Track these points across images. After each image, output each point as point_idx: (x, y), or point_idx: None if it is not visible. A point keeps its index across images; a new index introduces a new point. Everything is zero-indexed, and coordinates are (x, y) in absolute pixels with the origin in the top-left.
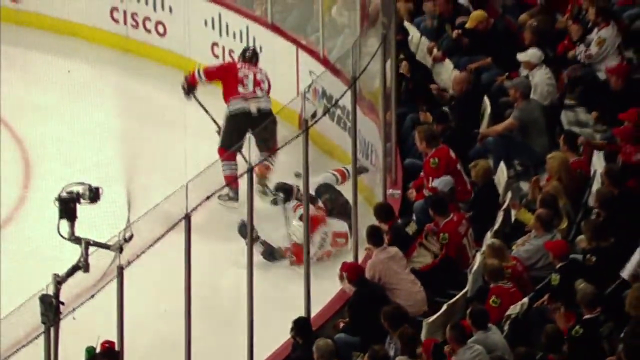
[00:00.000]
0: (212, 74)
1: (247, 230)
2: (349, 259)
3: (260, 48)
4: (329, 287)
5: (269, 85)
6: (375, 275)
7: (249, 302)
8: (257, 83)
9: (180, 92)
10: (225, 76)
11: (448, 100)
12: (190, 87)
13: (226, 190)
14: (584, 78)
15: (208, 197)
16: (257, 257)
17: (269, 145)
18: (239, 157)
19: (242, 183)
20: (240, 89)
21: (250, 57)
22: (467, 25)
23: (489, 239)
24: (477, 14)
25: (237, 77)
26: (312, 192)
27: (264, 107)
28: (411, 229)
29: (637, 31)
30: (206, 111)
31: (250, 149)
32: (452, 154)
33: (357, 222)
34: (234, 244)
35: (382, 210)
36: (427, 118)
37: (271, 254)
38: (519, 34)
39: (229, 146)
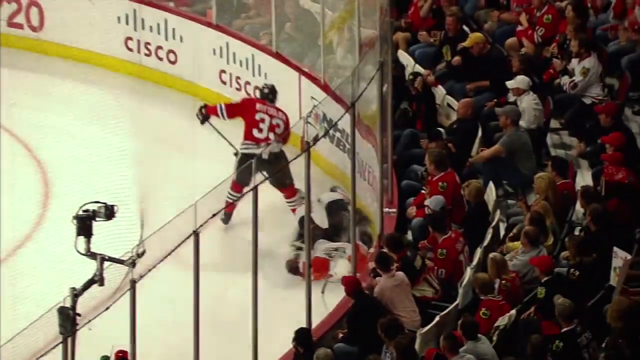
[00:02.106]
0: (233, 112)
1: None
2: None
3: (265, 75)
4: (329, 300)
5: (287, 126)
6: (382, 300)
7: (254, 314)
8: (271, 128)
9: (190, 116)
10: (244, 114)
11: (451, 123)
12: (205, 117)
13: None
14: (570, 103)
15: (214, 215)
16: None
17: (282, 182)
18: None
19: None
20: (256, 133)
21: (267, 94)
22: (465, 44)
23: (479, 254)
24: (476, 36)
25: (254, 118)
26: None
27: (272, 150)
28: (417, 263)
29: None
30: (222, 136)
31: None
32: (457, 179)
33: (355, 238)
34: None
35: (393, 241)
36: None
37: (296, 268)
38: (508, 61)
39: (242, 182)
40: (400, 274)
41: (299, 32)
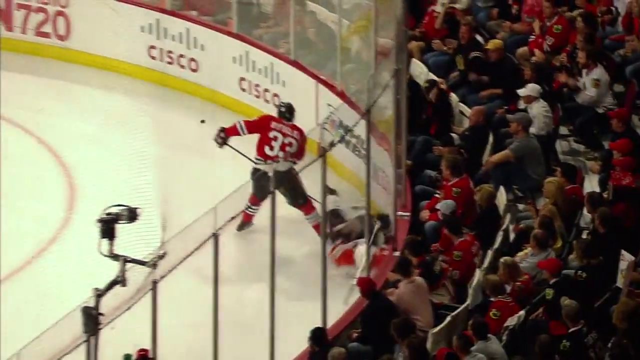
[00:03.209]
0: (251, 128)
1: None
2: None
3: (284, 83)
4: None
5: (300, 145)
6: (401, 305)
7: (271, 314)
8: (282, 147)
9: (211, 122)
10: (260, 130)
11: (463, 130)
12: (224, 140)
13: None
14: (580, 111)
15: (232, 218)
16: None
17: (295, 201)
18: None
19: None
20: (267, 150)
21: (284, 112)
22: (488, 47)
23: (490, 256)
24: (497, 42)
25: (268, 136)
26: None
27: (280, 169)
28: (437, 268)
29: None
30: (242, 154)
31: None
32: (471, 185)
33: (369, 240)
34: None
35: (413, 244)
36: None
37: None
38: (519, 69)
39: (259, 196)
40: (420, 279)
41: (316, 41)
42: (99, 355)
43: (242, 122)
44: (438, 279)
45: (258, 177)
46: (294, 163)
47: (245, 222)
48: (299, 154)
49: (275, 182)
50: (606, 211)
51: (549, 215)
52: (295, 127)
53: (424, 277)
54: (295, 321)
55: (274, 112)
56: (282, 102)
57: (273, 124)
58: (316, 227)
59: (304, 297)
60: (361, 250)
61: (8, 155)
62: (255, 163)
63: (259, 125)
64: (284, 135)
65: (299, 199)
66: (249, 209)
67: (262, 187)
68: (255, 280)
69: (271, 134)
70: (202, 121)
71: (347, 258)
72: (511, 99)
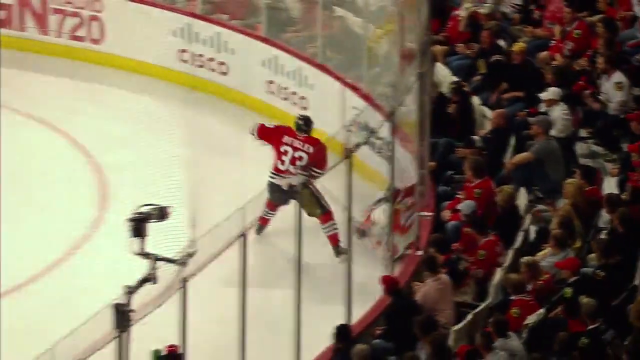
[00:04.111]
0: (263, 135)
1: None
2: None
3: (311, 86)
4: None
5: (312, 158)
6: (426, 302)
7: (296, 311)
8: (292, 161)
9: (240, 124)
10: (273, 142)
11: (485, 132)
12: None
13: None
14: (599, 114)
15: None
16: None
17: (312, 213)
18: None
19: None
20: (279, 165)
21: (301, 125)
22: (513, 49)
23: (510, 256)
24: (521, 45)
25: (279, 149)
26: None
27: (291, 183)
28: (462, 266)
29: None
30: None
31: None
32: (493, 186)
33: (392, 239)
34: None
35: (439, 242)
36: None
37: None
38: (540, 73)
39: (273, 202)
40: (445, 276)
41: (343, 45)
42: (130, 351)
43: (258, 125)
44: (462, 277)
45: (269, 187)
46: (317, 174)
47: (262, 225)
48: (319, 164)
49: (289, 195)
50: (625, 212)
51: (567, 216)
52: (308, 140)
53: (450, 275)
54: (319, 318)
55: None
56: (300, 115)
57: (285, 138)
58: (331, 238)
59: (328, 296)
60: (381, 210)
61: (42, 156)
62: (271, 178)
63: (272, 135)
64: (295, 149)
65: (316, 209)
66: (266, 214)
67: (275, 196)
68: (276, 281)
69: (282, 148)
70: None
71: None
72: (532, 102)
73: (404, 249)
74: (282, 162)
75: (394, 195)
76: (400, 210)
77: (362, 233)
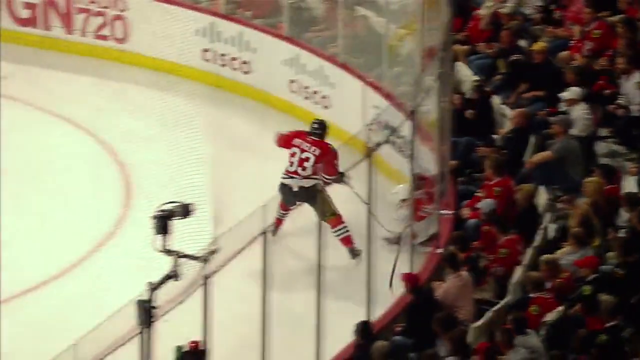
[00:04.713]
0: (281, 143)
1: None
2: None
3: (333, 85)
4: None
5: (318, 161)
6: (447, 299)
7: (318, 307)
8: (300, 162)
9: (262, 122)
10: (285, 147)
11: (506, 132)
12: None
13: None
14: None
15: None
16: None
17: (322, 216)
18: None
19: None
20: (289, 166)
21: (315, 129)
22: (532, 48)
23: (530, 254)
24: (542, 44)
25: (289, 151)
26: None
27: (301, 185)
28: (483, 263)
29: None
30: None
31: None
32: (512, 185)
33: (413, 238)
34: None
35: (460, 240)
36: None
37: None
38: (561, 73)
39: (284, 203)
40: (466, 273)
41: (365, 44)
42: (153, 347)
43: (277, 136)
44: (482, 275)
45: (280, 187)
46: (326, 180)
47: (277, 226)
48: (327, 170)
49: (298, 197)
50: None
51: (586, 214)
52: (317, 143)
53: (470, 272)
54: (340, 315)
55: (323, 113)
56: (316, 119)
57: (295, 140)
58: (343, 241)
59: (349, 294)
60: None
61: (67, 154)
62: (282, 178)
63: (286, 140)
64: (302, 150)
65: (326, 213)
66: (280, 215)
67: (285, 197)
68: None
69: (291, 150)
70: None
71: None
72: (553, 101)
73: (424, 237)
74: (291, 163)
75: (414, 186)
76: (420, 200)
77: (395, 240)
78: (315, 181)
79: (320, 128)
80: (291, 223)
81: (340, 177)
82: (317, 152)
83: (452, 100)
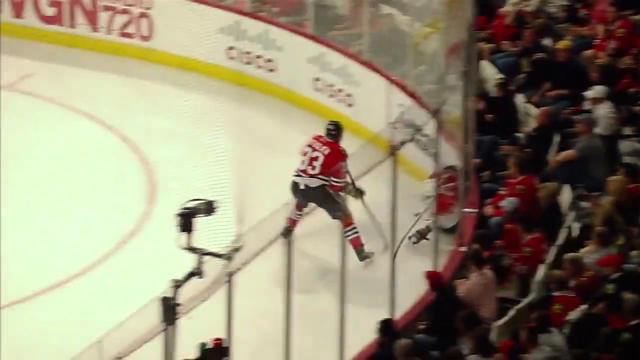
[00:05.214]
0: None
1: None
2: None
3: (357, 83)
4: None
5: (327, 164)
6: (470, 297)
7: (340, 305)
8: (310, 161)
9: (286, 120)
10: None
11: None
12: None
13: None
14: None
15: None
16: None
17: (333, 216)
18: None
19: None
20: (300, 164)
21: (330, 130)
22: (557, 46)
23: (553, 252)
24: (566, 42)
25: (303, 151)
26: None
27: (309, 184)
28: (506, 262)
29: None
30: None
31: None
32: (535, 183)
33: (438, 239)
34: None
35: (484, 238)
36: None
37: (424, 235)
38: (585, 71)
39: (296, 203)
40: (489, 272)
41: (389, 43)
42: (176, 344)
43: None
44: (505, 273)
45: (291, 186)
46: (336, 183)
47: (289, 227)
48: (336, 173)
49: (306, 196)
50: None
51: (609, 213)
52: (327, 143)
53: (493, 270)
54: (363, 313)
55: (347, 112)
56: (331, 121)
57: (310, 141)
58: (352, 242)
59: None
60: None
61: (91, 151)
62: (293, 176)
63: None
64: (313, 150)
65: (336, 213)
66: (294, 215)
67: (296, 195)
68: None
69: (305, 148)
70: None
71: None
72: (577, 100)
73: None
74: (303, 162)
75: (440, 176)
76: (444, 195)
77: (420, 236)
78: (323, 182)
79: (336, 130)
80: (314, 221)
81: (346, 186)
82: (327, 151)
83: (476, 102)
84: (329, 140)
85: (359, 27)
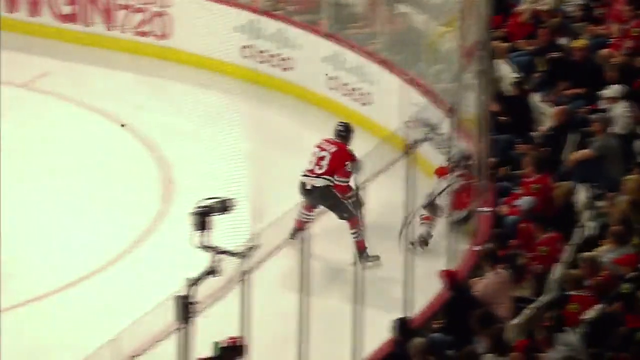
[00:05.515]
0: None
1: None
2: None
3: (372, 82)
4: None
5: (333, 162)
6: (485, 296)
7: (354, 304)
8: (317, 161)
9: (301, 119)
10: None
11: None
12: None
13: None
14: None
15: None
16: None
17: (340, 216)
18: None
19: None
20: (308, 164)
21: (339, 132)
22: (573, 45)
23: (568, 252)
24: (583, 41)
25: (312, 152)
26: None
27: (315, 184)
28: (521, 261)
29: None
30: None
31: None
32: (551, 182)
33: (454, 237)
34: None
35: (499, 237)
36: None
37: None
38: (601, 70)
39: (310, 205)
40: (505, 271)
41: (405, 41)
42: (191, 342)
43: None
44: (521, 272)
45: (299, 186)
46: (338, 181)
47: (297, 229)
48: (339, 171)
49: (312, 196)
50: None
51: (626, 212)
52: (334, 143)
53: (509, 269)
54: (378, 312)
55: (362, 110)
56: (341, 122)
57: (320, 142)
58: (357, 243)
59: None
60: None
61: (107, 149)
62: (301, 176)
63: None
64: (321, 149)
65: (342, 213)
66: (303, 217)
67: (304, 196)
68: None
69: (314, 149)
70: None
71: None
72: (593, 99)
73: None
74: (311, 162)
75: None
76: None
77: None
78: (329, 182)
79: (345, 131)
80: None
81: (349, 189)
82: (333, 149)
83: (491, 101)
84: (337, 140)
85: (374, 26)
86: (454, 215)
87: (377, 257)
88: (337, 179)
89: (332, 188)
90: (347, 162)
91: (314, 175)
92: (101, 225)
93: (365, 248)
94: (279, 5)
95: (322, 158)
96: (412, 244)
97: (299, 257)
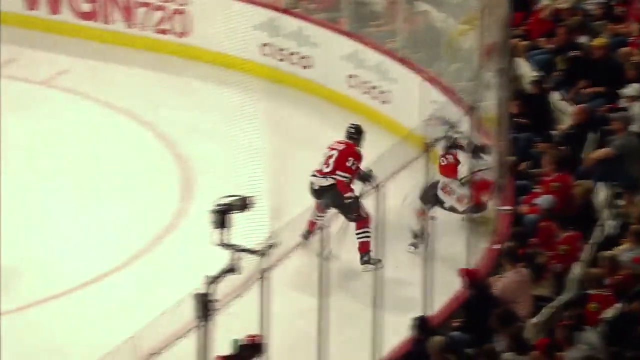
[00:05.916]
0: None
1: None
2: None
3: (392, 80)
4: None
5: (338, 159)
6: (505, 294)
7: (374, 302)
8: (326, 160)
9: (321, 117)
10: None
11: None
12: None
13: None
14: None
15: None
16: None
17: (345, 214)
18: None
19: None
20: (318, 165)
21: (352, 133)
22: (593, 43)
23: (588, 250)
24: (602, 40)
25: (324, 153)
26: None
27: (322, 184)
28: (541, 260)
29: None
30: None
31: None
32: (570, 181)
33: (470, 237)
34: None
35: (519, 236)
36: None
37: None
38: (621, 68)
39: (322, 205)
40: (525, 269)
41: (425, 40)
42: (210, 340)
43: None
44: (540, 271)
45: (309, 186)
46: (341, 177)
47: (309, 230)
48: (343, 167)
49: (321, 197)
50: None
51: None
52: (343, 142)
53: (528, 268)
54: (397, 310)
55: (382, 109)
56: (352, 124)
57: (331, 143)
58: (361, 244)
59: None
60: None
61: (126, 147)
62: (310, 176)
63: None
64: (330, 149)
65: (348, 213)
66: (315, 217)
67: (313, 196)
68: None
69: (325, 151)
70: None
71: (451, 171)
72: (613, 97)
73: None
74: (321, 163)
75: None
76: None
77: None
78: (333, 180)
79: (356, 132)
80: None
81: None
82: (341, 147)
83: (511, 100)
84: (349, 142)
85: (394, 24)
86: (467, 209)
87: (379, 261)
88: (339, 173)
89: (336, 186)
90: (350, 158)
91: (321, 175)
92: (120, 223)
93: (368, 251)
94: (299, 3)
95: (330, 157)
96: (413, 244)
97: (318, 257)
